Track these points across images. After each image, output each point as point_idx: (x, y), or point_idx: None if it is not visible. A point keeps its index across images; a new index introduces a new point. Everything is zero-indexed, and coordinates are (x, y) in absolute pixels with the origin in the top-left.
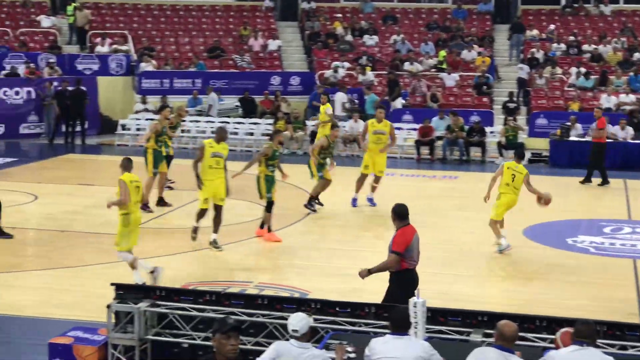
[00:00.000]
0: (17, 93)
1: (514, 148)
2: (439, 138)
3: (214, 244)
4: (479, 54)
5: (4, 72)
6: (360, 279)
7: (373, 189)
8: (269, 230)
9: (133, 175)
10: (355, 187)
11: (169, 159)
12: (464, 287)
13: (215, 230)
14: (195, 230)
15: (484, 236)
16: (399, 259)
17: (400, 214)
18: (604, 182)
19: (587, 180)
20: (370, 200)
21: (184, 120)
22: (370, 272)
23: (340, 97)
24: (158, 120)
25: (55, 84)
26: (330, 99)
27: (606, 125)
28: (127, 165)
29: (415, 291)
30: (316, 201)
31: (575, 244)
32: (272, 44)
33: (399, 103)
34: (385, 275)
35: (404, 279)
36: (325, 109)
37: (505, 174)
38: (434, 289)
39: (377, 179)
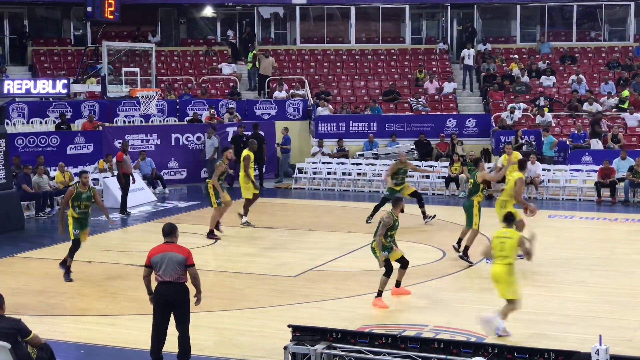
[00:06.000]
0: (198, 139)
1: None
2: (621, 180)
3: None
4: None
5: (187, 118)
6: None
7: None
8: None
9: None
10: None
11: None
12: None
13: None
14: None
15: None
16: (145, 270)
17: (163, 231)
18: None
19: None
20: None
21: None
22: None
23: None
24: (220, 161)
25: (234, 129)
26: None
27: None
28: None
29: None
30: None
31: None
32: (448, 87)
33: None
34: (563, 319)
35: (155, 292)
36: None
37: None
38: (618, 335)
39: None
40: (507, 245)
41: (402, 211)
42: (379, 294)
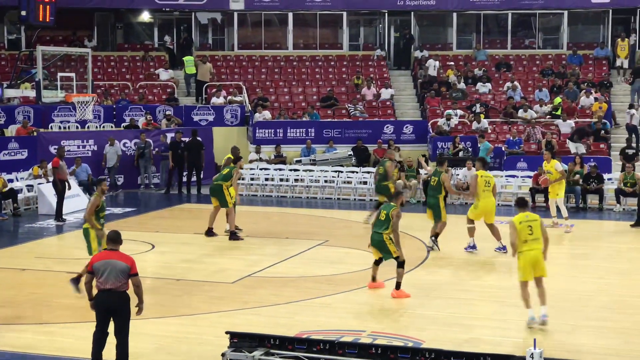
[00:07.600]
0: (136, 145)
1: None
2: None
3: None
4: (596, 99)
5: (124, 124)
6: (475, 329)
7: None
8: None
9: None
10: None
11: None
12: (582, 338)
13: None
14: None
15: (603, 285)
16: (87, 276)
17: (108, 237)
18: None
19: None
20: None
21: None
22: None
23: None
24: (235, 168)
25: (171, 134)
26: None
27: None
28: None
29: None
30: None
31: None
32: (385, 93)
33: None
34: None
35: (95, 299)
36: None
37: None
38: (553, 338)
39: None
40: (535, 227)
41: (402, 205)
42: (398, 285)
